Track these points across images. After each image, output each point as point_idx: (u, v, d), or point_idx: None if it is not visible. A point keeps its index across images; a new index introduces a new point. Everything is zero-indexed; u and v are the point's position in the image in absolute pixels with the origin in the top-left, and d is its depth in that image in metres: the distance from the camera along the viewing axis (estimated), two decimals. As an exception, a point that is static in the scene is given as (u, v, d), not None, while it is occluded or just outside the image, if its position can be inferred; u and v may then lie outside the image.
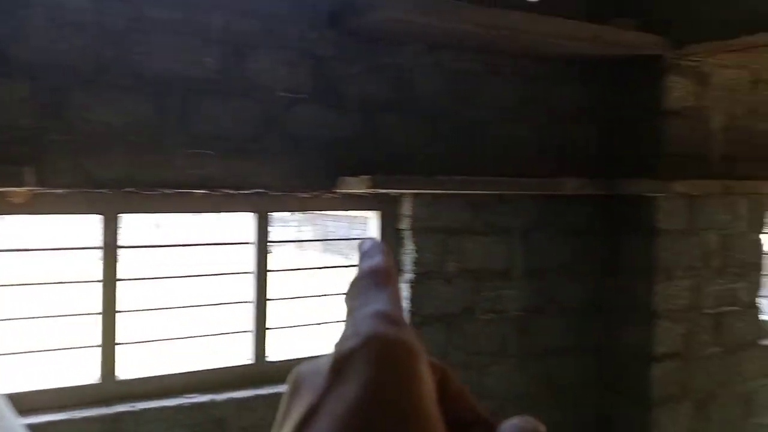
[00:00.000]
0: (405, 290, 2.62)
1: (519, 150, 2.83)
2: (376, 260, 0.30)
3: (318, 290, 2.76)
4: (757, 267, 3.15)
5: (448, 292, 2.69)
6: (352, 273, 0.31)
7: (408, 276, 2.61)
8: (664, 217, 2.79)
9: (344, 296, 0.29)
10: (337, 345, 0.26)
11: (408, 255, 2.62)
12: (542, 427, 0.26)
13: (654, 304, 2.81)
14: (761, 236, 3.16)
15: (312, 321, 2.68)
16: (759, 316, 3.21)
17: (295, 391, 0.26)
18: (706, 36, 2.55)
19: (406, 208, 2.62)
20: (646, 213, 2.80)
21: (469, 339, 2.75)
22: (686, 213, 2.86)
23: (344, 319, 0.28)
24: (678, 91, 2.79)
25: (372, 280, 0.29)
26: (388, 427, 0.23)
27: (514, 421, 0.26)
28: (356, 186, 2.30)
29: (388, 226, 2.65)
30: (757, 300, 3.18)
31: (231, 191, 2.29)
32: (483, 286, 2.79)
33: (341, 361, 0.25)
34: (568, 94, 2.94)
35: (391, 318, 0.26)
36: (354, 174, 2.37)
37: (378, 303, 0.27)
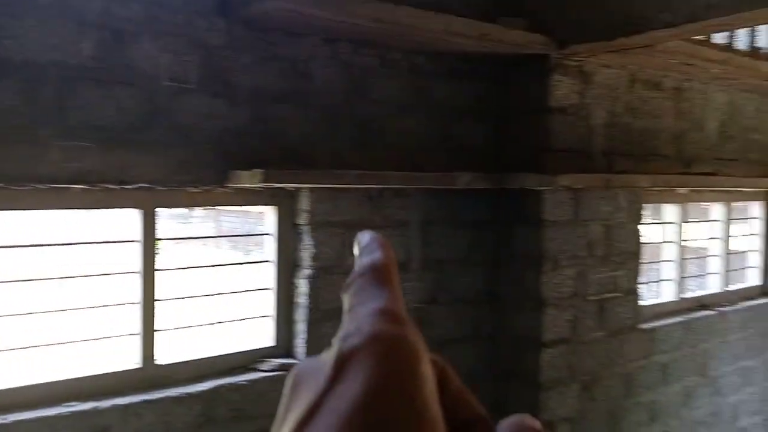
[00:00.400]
0: (304, 286, 2.59)
1: (414, 144, 2.87)
2: (376, 255, 0.30)
3: (215, 288, 2.67)
4: (636, 255, 3.37)
5: (346, 286, 2.68)
6: (355, 270, 0.30)
7: (307, 271, 2.58)
8: (550, 209, 2.93)
9: (344, 292, 0.29)
10: (339, 342, 0.26)
11: (306, 250, 2.59)
12: (538, 424, 0.27)
13: (542, 292, 2.94)
14: (640, 227, 3.38)
15: (207, 320, 2.59)
16: (638, 301, 3.44)
17: (295, 388, 0.26)
18: (588, 37, 2.68)
19: (304, 203, 2.58)
20: (535, 205, 2.92)
21: (367, 333, 2.75)
22: (571, 205, 3.01)
23: (345, 315, 0.28)
24: (562, 89, 2.93)
25: (372, 277, 0.29)
26: (390, 426, 0.23)
27: (512, 419, 0.27)
28: (249, 180, 2.24)
29: (286, 221, 2.61)
30: (637, 286, 3.41)
31: (112, 186, 2.16)
32: (381, 279, 2.80)
33: (343, 359, 0.25)
34: (461, 90, 3.01)
35: (394, 316, 0.26)
36: (247, 168, 2.30)
37: (380, 300, 0.27)
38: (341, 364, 0.25)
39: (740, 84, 3.74)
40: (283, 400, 0.27)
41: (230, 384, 2.40)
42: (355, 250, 0.32)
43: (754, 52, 3.91)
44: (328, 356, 0.26)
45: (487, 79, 3.07)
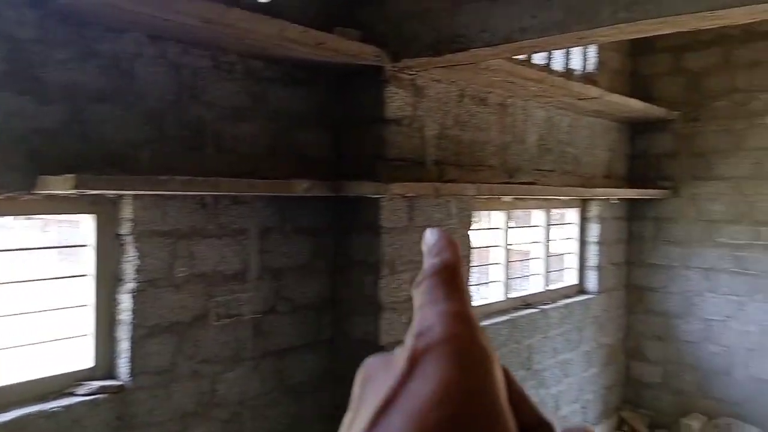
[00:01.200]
0: (127, 301, 2.41)
1: (251, 150, 2.81)
2: (445, 256, 0.30)
3: (26, 306, 2.40)
4: (467, 259, 3.58)
5: (177, 299, 2.55)
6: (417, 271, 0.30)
7: (130, 285, 2.41)
8: (386, 216, 3.01)
9: (414, 289, 0.29)
10: (412, 339, 0.26)
11: (130, 262, 2.42)
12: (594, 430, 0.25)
13: (379, 297, 3.01)
14: (470, 232, 3.59)
15: (13, 342, 2.32)
16: (469, 302, 3.64)
17: (366, 382, 0.27)
18: (418, 52, 2.80)
19: (126, 211, 2.41)
20: (372, 213, 2.99)
21: (201, 347, 2.64)
22: (406, 212, 3.12)
23: (415, 312, 0.28)
24: (397, 101, 3.03)
25: (442, 278, 0.29)
26: (464, 424, 0.23)
27: (572, 427, 0.28)
28: (60, 186, 2.04)
29: (106, 230, 2.41)
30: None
31: None
32: (217, 290, 2.70)
33: (417, 355, 0.25)
34: (300, 97, 3.00)
35: (465, 318, 0.27)
36: (62, 172, 2.10)
37: (449, 302, 0.27)
38: (415, 361, 0.25)
39: (556, 102, 4.13)
40: (354, 394, 0.28)
41: (41, 412, 2.17)
42: (423, 248, 0.32)
43: (567, 73, 4.34)
44: (400, 352, 0.26)
45: (325, 87, 3.09)
